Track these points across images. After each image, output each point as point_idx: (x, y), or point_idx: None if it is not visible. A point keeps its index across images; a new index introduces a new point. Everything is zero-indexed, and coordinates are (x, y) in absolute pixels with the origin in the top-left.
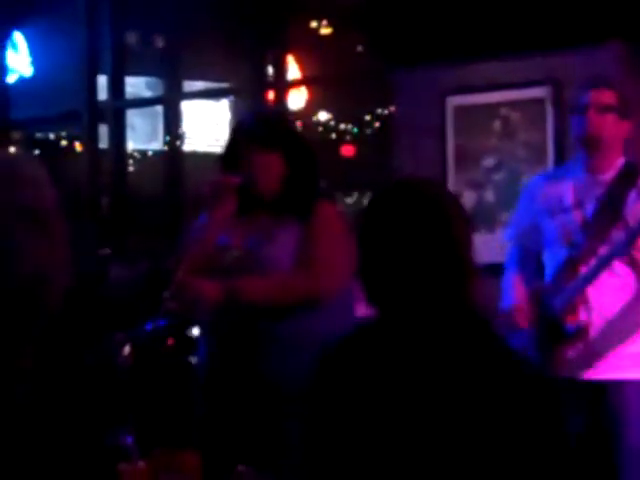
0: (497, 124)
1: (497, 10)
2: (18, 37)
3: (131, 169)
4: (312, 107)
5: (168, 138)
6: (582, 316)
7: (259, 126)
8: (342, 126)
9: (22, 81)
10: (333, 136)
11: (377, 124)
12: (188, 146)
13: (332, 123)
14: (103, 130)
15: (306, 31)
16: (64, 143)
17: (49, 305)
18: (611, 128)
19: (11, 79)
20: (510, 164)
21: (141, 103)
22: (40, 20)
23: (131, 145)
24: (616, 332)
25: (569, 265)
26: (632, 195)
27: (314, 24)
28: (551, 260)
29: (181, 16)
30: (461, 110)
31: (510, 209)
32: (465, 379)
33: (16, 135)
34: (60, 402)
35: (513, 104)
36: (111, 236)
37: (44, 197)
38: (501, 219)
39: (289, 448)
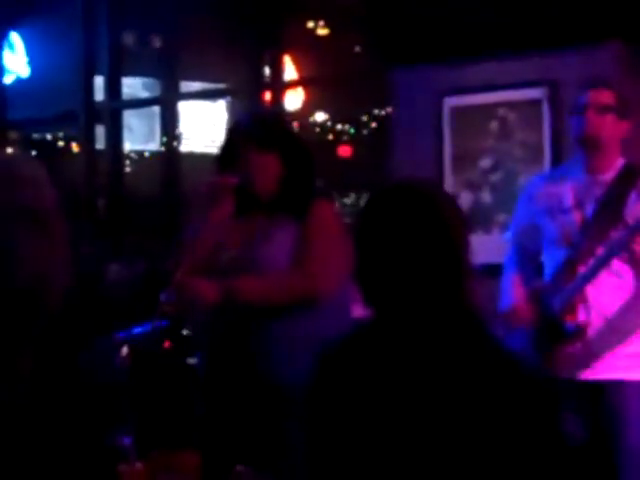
0: (494, 125)
1: (494, 11)
2: (15, 37)
3: (128, 170)
4: (309, 108)
5: (165, 139)
6: (581, 316)
7: (256, 127)
8: (339, 127)
9: (19, 82)
10: (330, 137)
11: (374, 125)
12: (185, 147)
13: (329, 124)
14: (100, 131)
15: (303, 32)
16: (61, 144)
17: (49, 305)
18: (610, 128)
19: (8, 80)
20: (507, 165)
21: (138, 104)
22: (37, 21)
23: (128, 146)
24: (615, 332)
25: (568, 265)
26: (632, 196)
27: (311, 25)
28: (550, 260)
29: (178, 17)
30: (458, 111)
31: (507, 210)
32: (461, 380)
33: (13, 135)
34: (59, 402)
35: (510, 105)
36: (108, 236)
37: (44, 197)
38: (498, 220)
39: (288, 448)
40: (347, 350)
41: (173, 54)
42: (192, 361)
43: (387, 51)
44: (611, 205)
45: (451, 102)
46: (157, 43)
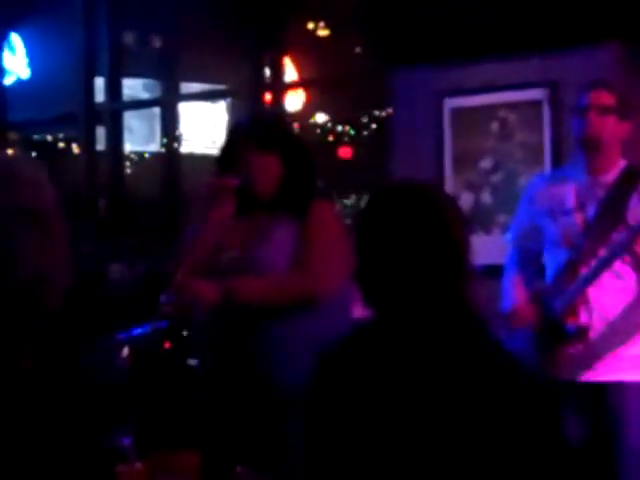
0: (495, 126)
1: (494, 11)
2: (15, 39)
3: (128, 171)
4: (309, 109)
5: (165, 140)
6: (583, 317)
7: (256, 128)
8: (339, 128)
9: (19, 83)
10: (330, 138)
11: (374, 126)
12: (185, 148)
13: (329, 125)
14: (100, 132)
15: (303, 33)
16: (61, 145)
17: (49, 305)
18: (611, 129)
19: (8, 81)
20: (507, 165)
21: (138, 105)
22: (37, 22)
23: (128, 147)
24: (617, 334)
25: (570, 267)
26: (634, 198)
27: (311, 26)
28: (552, 262)
29: (178, 18)
30: (458, 112)
31: (507, 211)
32: (461, 381)
33: (13, 137)
34: (59, 402)
35: (510, 105)
36: (108, 237)
37: (44, 197)
38: (498, 220)
39: (288, 448)
40: (347, 350)
41: (173, 55)
42: (192, 362)
43: (387, 52)
44: (613, 206)
45: (451, 103)
46: (157, 44)
